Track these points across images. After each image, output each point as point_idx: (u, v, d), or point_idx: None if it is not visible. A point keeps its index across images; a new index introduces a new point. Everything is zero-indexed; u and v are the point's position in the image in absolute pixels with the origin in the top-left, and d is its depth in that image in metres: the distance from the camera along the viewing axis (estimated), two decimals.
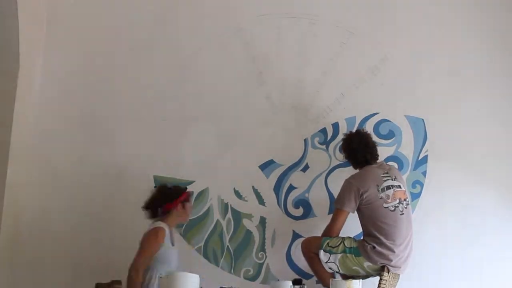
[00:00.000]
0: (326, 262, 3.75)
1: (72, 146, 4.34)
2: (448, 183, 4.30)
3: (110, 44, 4.48)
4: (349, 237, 3.83)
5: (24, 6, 4.01)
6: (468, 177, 4.31)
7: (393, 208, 3.73)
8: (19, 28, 3.99)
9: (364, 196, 3.74)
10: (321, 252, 3.77)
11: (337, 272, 3.78)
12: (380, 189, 3.76)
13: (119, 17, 4.53)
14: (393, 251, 3.67)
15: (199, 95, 4.42)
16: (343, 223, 3.83)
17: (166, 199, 3.85)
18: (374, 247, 3.67)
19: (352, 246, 3.74)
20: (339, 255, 3.73)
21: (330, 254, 3.75)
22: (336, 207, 3.85)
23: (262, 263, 4.22)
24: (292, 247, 4.22)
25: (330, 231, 3.84)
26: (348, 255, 3.72)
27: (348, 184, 3.85)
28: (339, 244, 3.76)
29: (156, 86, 4.43)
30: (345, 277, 3.75)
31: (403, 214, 3.74)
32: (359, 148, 3.96)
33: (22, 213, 4.19)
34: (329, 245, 3.77)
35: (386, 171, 3.87)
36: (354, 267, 3.72)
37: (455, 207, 4.27)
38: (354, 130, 4.16)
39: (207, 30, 4.51)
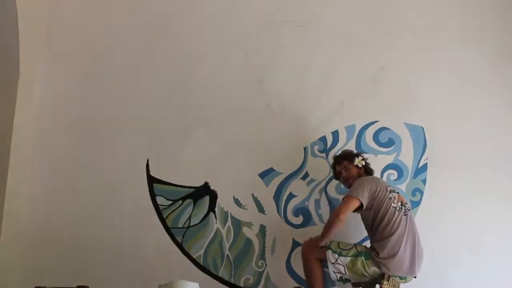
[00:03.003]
0: (334, 263, 3.74)
1: (72, 153, 4.36)
2: (448, 191, 4.29)
3: (109, 53, 4.50)
4: (361, 245, 3.86)
5: (24, 15, 4.04)
6: (468, 184, 4.30)
7: (398, 208, 3.79)
8: (19, 37, 4.01)
9: (377, 193, 3.78)
10: (329, 252, 3.77)
11: (342, 274, 3.75)
12: (388, 191, 3.83)
13: (118, 26, 4.55)
14: (393, 254, 3.67)
15: (199, 103, 4.43)
16: (351, 210, 3.79)
17: None
18: (377, 253, 3.69)
19: (363, 250, 3.76)
20: (349, 258, 3.73)
21: (339, 256, 3.75)
22: (348, 195, 3.83)
23: (262, 272, 4.22)
24: (292, 255, 4.21)
25: (338, 212, 3.77)
26: (358, 258, 3.72)
27: (361, 181, 3.89)
28: (351, 248, 3.78)
29: (156, 94, 4.44)
30: (354, 285, 3.80)
31: (406, 215, 3.80)
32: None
33: (22, 220, 4.21)
34: (340, 246, 3.78)
35: None
36: (361, 271, 3.71)
37: (455, 215, 4.26)
38: (355, 139, 4.28)
39: (208, 38, 4.52)
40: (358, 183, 3.87)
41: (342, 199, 3.87)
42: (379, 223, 3.76)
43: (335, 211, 3.85)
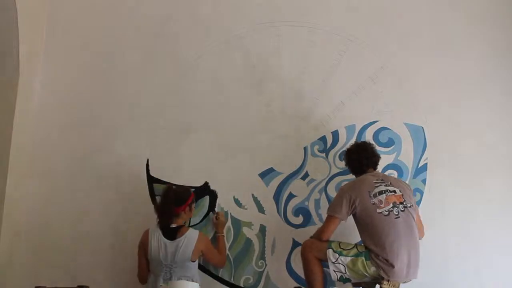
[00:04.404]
0: (334, 262, 3.73)
1: (72, 154, 4.35)
2: (448, 191, 4.30)
3: (109, 53, 4.50)
4: (362, 245, 3.80)
5: (24, 15, 4.04)
6: (468, 185, 4.30)
7: (386, 213, 3.71)
8: (19, 37, 4.01)
9: (357, 204, 3.74)
10: (330, 252, 3.74)
11: (343, 273, 3.74)
12: (372, 195, 3.75)
13: (118, 26, 4.55)
14: (391, 264, 3.64)
15: (199, 103, 4.43)
16: (333, 230, 3.82)
17: (177, 202, 3.85)
18: (377, 255, 3.67)
19: (363, 250, 3.73)
20: (349, 258, 3.71)
21: (339, 255, 3.74)
22: (328, 214, 3.86)
23: (262, 272, 4.21)
24: (292, 255, 4.21)
25: (321, 235, 3.83)
26: (359, 258, 3.69)
27: (340, 192, 3.88)
28: (352, 248, 3.75)
29: (156, 94, 4.44)
30: (354, 285, 3.79)
31: (398, 217, 3.70)
32: (355, 154, 3.99)
33: (22, 220, 4.20)
34: (340, 246, 3.76)
35: (380, 178, 3.87)
36: (361, 271, 3.69)
37: (455, 215, 4.26)
38: (355, 139, 4.27)
39: (207, 38, 4.52)
40: (336, 197, 3.86)
41: (327, 211, 3.89)
42: (367, 232, 3.73)
43: (318, 232, 3.86)
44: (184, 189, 3.98)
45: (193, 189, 4.26)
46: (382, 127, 4.40)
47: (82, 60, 4.48)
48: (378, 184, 3.81)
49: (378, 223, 3.69)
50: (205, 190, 4.29)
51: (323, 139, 4.38)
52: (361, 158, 3.97)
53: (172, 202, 3.84)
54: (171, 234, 3.80)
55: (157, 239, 3.80)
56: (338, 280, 3.76)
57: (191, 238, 3.79)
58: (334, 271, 3.73)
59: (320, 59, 4.48)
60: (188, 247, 3.76)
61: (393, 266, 3.62)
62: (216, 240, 4.11)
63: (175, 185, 4.17)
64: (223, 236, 4.13)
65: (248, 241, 4.25)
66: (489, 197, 4.29)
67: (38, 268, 4.16)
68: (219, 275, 4.18)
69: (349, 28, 4.53)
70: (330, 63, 4.48)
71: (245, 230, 4.26)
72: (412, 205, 3.81)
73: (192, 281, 3.71)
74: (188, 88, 4.45)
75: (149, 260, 3.84)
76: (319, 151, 4.36)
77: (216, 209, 4.27)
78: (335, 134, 4.38)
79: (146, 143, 4.36)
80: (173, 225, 3.83)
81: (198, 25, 4.55)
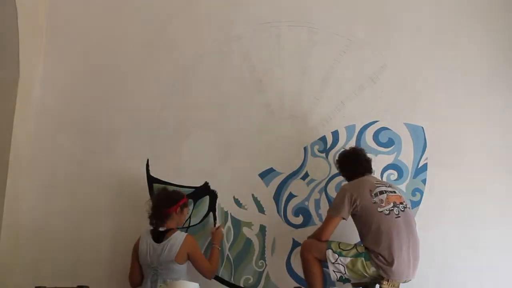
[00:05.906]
0: (333, 263, 3.73)
1: (72, 154, 4.35)
2: (448, 191, 4.29)
3: (109, 53, 4.50)
4: (361, 245, 3.79)
5: (24, 15, 4.04)
6: (468, 185, 4.30)
7: (387, 212, 3.71)
8: (19, 37, 4.01)
9: (358, 202, 3.74)
10: (329, 252, 3.74)
11: (342, 274, 3.74)
12: (373, 194, 3.76)
13: (118, 26, 4.55)
14: (391, 263, 3.64)
15: (199, 103, 4.43)
16: (333, 230, 3.81)
17: (168, 202, 3.86)
18: (376, 256, 3.67)
19: (363, 251, 3.73)
20: (349, 259, 3.71)
21: (339, 256, 3.74)
22: (329, 214, 3.86)
23: (262, 272, 4.21)
24: (292, 255, 4.21)
25: (321, 235, 3.82)
26: (358, 258, 3.69)
27: (341, 190, 3.87)
28: (352, 248, 3.74)
29: (156, 95, 4.44)
30: (354, 285, 3.79)
31: (398, 217, 3.70)
32: (352, 160, 4.00)
33: (22, 220, 4.20)
34: (340, 246, 3.75)
35: (379, 180, 3.93)
36: (361, 271, 3.69)
37: (455, 215, 4.26)
38: (355, 139, 4.30)
39: (207, 39, 4.53)
40: (338, 196, 3.86)
41: (328, 211, 3.89)
42: (367, 230, 3.73)
43: (318, 232, 3.86)
44: (177, 192, 4.00)
45: (193, 189, 4.28)
46: (382, 127, 4.40)
47: (82, 60, 4.49)
48: (379, 185, 3.82)
49: (379, 222, 3.69)
50: (205, 190, 4.30)
51: (323, 139, 4.38)
52: (357, 165, 3.98)
53: (163, 203, 3.87)
54: (159, 237, 3.82)
55: (146, 243, 3.82)
56: (337, 280, 3.76)
57: (176, 240, 3.78)
58: (334, 271, 3.73)
59: (320, 59, 4.48)
60: (173, 249, 3.75)
61: (392, 266, 3.62)
62: (210, 249, 4.07)
63: (175, 185, 4.18)
64: (218, 249, 4.05)
65: (248, 241, 4.25)
66: (489, 197, 4.28)
67: (38, 268, 4.16)
68: (219, 275, 4.18)
69: (349, 28, 4.53)
70: (330, 63, 4.47)
71: (245, 230, 4.26)
72: (410, 207, 3.85)
73: None
74: (188, 88, 4.45)
75: (141, 264, 3.86)
76: (319, 151, 4.36)
77: (217, 210, 4.27)
78: (335, 134, 4.38)
79: (146, 143, 4.36)
80: (162, 228, 3.85)
81: (198, 25, 4.55)
